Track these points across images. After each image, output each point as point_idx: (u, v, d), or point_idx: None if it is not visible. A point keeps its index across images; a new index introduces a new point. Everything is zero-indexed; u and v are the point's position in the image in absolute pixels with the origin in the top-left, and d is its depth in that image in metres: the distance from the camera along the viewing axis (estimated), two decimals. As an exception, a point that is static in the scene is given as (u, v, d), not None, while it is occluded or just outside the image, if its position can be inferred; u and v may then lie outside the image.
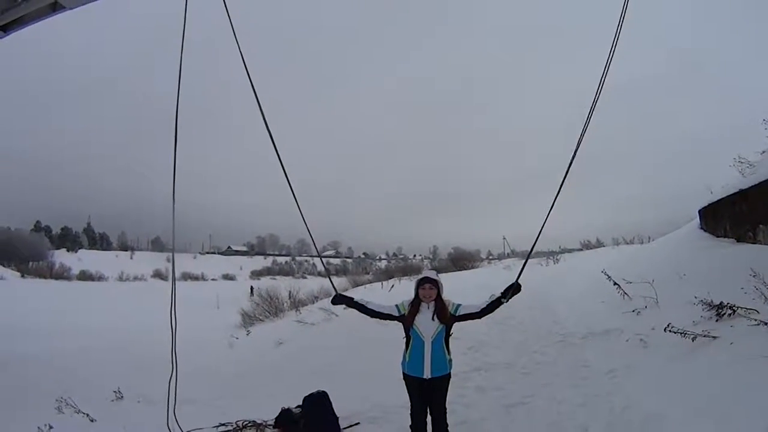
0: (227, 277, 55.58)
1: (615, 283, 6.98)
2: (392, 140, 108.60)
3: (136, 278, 47.69)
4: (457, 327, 3.74)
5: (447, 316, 3.64)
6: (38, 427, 4.48)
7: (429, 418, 3.71)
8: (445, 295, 3.73)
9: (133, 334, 13.48)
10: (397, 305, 3.78)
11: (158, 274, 49.49)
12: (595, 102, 3.85)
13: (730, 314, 4.60)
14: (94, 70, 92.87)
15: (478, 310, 3.68)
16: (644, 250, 12.07)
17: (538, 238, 4.05)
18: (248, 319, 15.22)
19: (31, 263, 45.18)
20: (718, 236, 7.41)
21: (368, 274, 29.00)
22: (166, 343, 4.32)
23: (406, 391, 3.74)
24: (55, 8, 6.43)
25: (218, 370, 8.28)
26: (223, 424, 4.86)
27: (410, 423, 3.75)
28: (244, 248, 79.99)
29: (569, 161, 3.89)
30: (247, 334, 12.41)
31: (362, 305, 3.83)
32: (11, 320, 15.24)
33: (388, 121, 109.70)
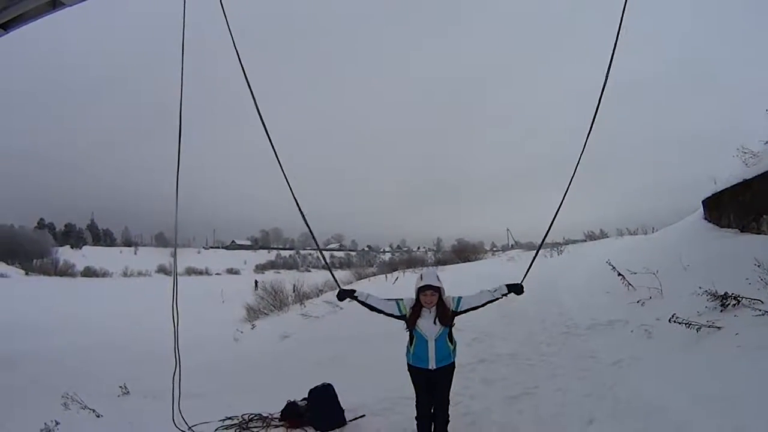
0: (231, 272, 55.62)
1: (619, 274, 6.99)
2: (396, 131, 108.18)
3: (140, 274, 47.69)
4: (461, 319, 3.73)
5: (449, 320, 3.63)
6: (45, 423, 4.47)
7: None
8: (448, 290, 3.71)
9: (139, 330, 13.60)
10: (398, 303, 3.71)
11: (162, 270, 49.49)
12: (600, 100, 3.91)
13: (734, 304, 4.61)
14: (96, 67, 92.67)
15: (480, 303, 3.70)
16: (648, 240, 12.05)
17: (546, 235, 4.07)
18: (253, 313, 15.34)
19: (35, 261, 45.10)
20: (722, 226, 7.40)
21: (372, 266, 28.98)
22: (172, 338, 4.37)
23: (411, 383, 3.76)
24: (54, 5, 6.46)
25: (224, 364, 8.37)
26: (229, 418, 4.89)
27: (415, 414, 3.77)
28: (248, 242, 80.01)
29: (578, 157, 3.93)
30: (252, 328, 12.51)
31: (364, 301, 3.81)
32: (16, 318, 15.37)
33: (392, 113, 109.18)
